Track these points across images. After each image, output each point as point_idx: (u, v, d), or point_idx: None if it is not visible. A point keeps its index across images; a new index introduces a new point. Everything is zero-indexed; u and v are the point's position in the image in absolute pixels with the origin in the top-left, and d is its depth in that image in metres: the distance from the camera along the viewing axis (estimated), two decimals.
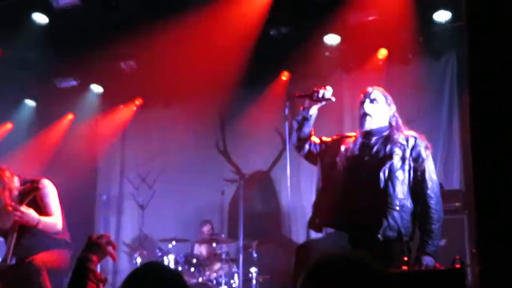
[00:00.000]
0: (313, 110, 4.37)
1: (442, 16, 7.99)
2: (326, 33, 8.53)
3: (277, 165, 9.57)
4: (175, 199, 10.12)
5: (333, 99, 4.27)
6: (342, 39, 8.59)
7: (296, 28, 8.39)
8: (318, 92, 4.27)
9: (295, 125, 4.42)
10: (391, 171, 4.10)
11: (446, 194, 7.09)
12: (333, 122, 9.10)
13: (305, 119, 4.37)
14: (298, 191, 9.30)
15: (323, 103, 4.31)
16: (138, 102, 10.54)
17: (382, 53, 8.69)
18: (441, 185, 7.37)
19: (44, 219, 5.03)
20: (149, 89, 10.08)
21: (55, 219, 5.12)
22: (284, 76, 9.47)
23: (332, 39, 8.60)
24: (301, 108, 4.43)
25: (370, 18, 8.00)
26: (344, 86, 8.96)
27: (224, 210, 9.75)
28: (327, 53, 8.82)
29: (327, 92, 4.26)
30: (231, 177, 9.64)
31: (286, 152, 4.54)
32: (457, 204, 7.22)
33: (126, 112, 10.65)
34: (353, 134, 4.48)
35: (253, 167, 9.83)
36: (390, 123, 4.35)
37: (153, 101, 10.52)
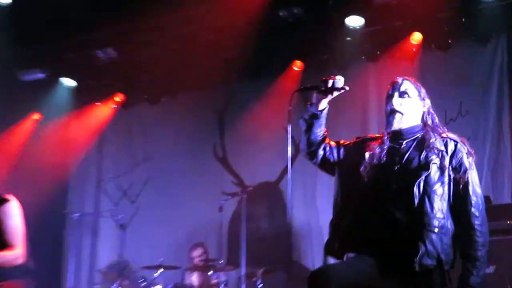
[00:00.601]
0: (323, 105, 4.21)
1: None
2: (348, 14, 8.52)
3: (288, 176, 9.51)
4: (163, 216, 10.12)
5: (347, 88, 4.16)
6: (366, 21, 8.60)
7: (311, 8, 8.43)
8: (326, 82, 4.10)
9: (302, 125, 4.26)
10: (428, 184, 4.00)
11: (494, 210, 7.07)
12: (357, 122, 9.07)
13: (314, 117, 4.19)
14: (314, 207, 9.25)
15: (335, 95, 4.18)
16: (118, 98, 10.54)
17: (416, 37, 8.67)
18: (488, 199, 7.41)
19: (2, 255, 4.96)
20: (132, 82, 10.10)
21: (16, 252, 5.02)
22: (296, 66, 9.44)
23: (354, 21, 8.59)
24: (308, 104, 4.32)
25: None
26: (370, 78, 8.97)
27: (223, 230, 9.65)
28: (348, 38, 8.82)
29: (338, 81, 4.10)
30: (231, 190, 9.62)
31: (288, 160, 4.41)
32: (508, 222, 7.15)
33: (104, 111, 10.63)
34: (377, 135, 4.39)
35: (258, 177, 9.80)
36: (424, 122, 4.27)
37: (137, 97, 10.55)
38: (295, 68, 9.47)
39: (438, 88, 8.53)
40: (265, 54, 9.03)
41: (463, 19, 8.27)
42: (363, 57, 9.17)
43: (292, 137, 4.29)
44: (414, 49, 8.75)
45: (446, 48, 8.72)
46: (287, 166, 9.34)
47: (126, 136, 10.90)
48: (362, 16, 8.53)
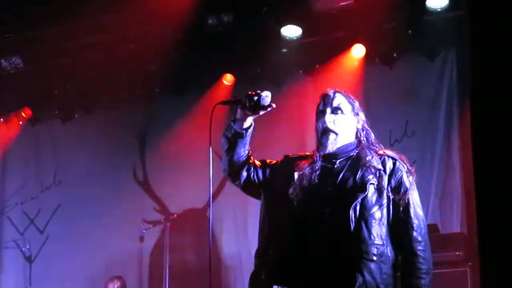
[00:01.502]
0: (248, 123, 4.15)
1: (437, 2, 8.11)
2: (284, 23, 8.59)
3: (218, 201, 9.53)
4: (75, 247, 9.93)
5: (273, 105, 4.13)
6: (304, 31, 8.66)
7: (243, 15, 8.49)
8: (251, 97, 4.06)
9: (224, 144, 4.24)
10: (365, 207, 4.00)
11: (443, 240, 7.21)
12: (292, 141, 9.12)
13: (238, 135, 4.15)
14: (245, 235, 9.26)
15: (261, 112, 4.18)
16: (25, 114, 10.39)
17: (358, 50, 8.76)
18: (435, 228, 7.55)
19: None
20: (42, 95, 9.95)
21: None
22: (227, 80, 9.47)
23: (291, 31, 8.65)
24: (232, 120, 4.28)
25: (343, 3, 8.11)
26: (307, 93, 8.96)
27: (143, 262, 9.66)
28: (284, 50, 8.90)
29: (265, 97, 4.05)
30: (153, 217, 9.56)
31: (210, 184, 4.35)
32: (458, 253, 7.29)
33: (8, 127, 10.45)
34: (308, 154, 4.39)
35: (184, 203, 9.74)
36: (358, 139, 4.31)
37: (46, 113, 10.41)
38: (225, 82, 9.48)
39: (382, 106, 8.69)
40: (192, 66, 9.05)
41: (410, 31, 8.34)
42: (300, 71, 9.23)
43: (221, 158, 4.30)
44: (356, 63, 8.82)
45: (391, 62, 8.77)
46: (216, 190, 9.45)
47: (34, 156, 10.69)
48: (300, 26, 8.57)
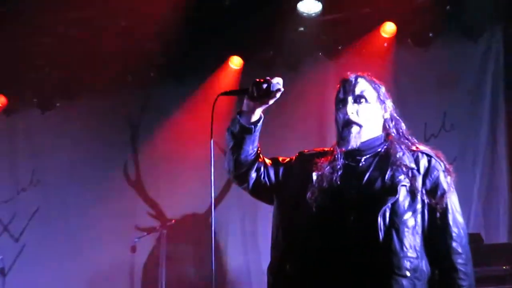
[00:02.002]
0: (256, 115, 4.08)
1: None
2: None
3: (222, 204, 9.53)
4: (56, 258, 9.98)
5: (282, 89, 4.01)
6: (325, 8, 8.65)
7: None
8: (260, 86, 3.96)
9: (229, 141, 4.16)
10: (396, 213, 3.94)
11: (487, 251, 7.18)
12: (311, 136, 9.11)
13: (245, 131, 4.09)
14: (255, 245, 9.27)
15: (271, 102, 4.09)
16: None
17: (388, 29, 8.77)
18: (479, 237, 7.51)
19: None
20: (17, 81, 9.96)
21: None
22: (234, 63, 9.49)
23: (309, 6, 8.64)
24: (237, 113, 4.21)
25: None
26: (328, 80, 8.93)
27: (136, 275, 9.75)
28: (301, 29, 8.90)
29: (276, 84, 3.97)
30: (147, 224, 9.59)
31: (211, 187, 4.17)
32: (504, 267, 7.26)
33: None
34: (327, 149, 4.34)
35: (183, 207, 9.79)
36: (386, 132, 4.26)
37: (23, 101, 10.47)
38: (232, 66, 9.51)
39: (416, 95, 8.71)
40: (194, 47, 9.05)
41: (448, 7, 8.39)
42: (320, 53, 9.26)
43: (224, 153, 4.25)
44: (385, 44, 8.85)
45: (426, 43, 8.83)
46: (220, 192, 9.47)
47: (8, 152, 10.73)
48: (320, 1, 8.54)
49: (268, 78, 3.97)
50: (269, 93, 3.95)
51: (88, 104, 10.14)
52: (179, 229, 9.24)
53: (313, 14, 8.67)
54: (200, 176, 9.20)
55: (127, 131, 10.23)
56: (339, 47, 9.08)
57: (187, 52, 9.12)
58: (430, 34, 8.70)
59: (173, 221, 9.03)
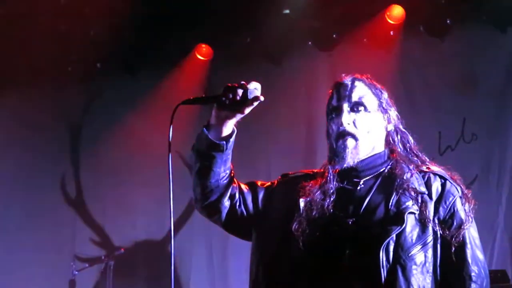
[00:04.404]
0: (228, 129, 4.11)
1: None
2: None
3: (183, 231, 9.55)
4: None
5: (261, 98, 4.01)
6: None
7: None
8: (233, 92, 4.00)
9: (195, 162, 4.16)
10: (402, 247, 3.99)
11: None
12: (298, 145, 9.14)
13: (214, 148, 4.11)
14: (224, 281, 9.28)
15: (246, 111, 4.04)
16: None
17: (395, 13, 8.80)
18: (503, 275, 7.55)
19: None
20: None
21: None
22: (202, 53, 9.53)
23: None
24: (203, 127, 4.13)
25: None
26: (319, 76, 9.02)
27: None
28: (286, 11, 8.88)
29: (254, 90, 3.99)
30: (89, 253, 9.60)
31: (170, 213, 4.13)
32: None
33: None
34: (316, 171, 4.33)
35: (135, 232, 9.79)
36: (390, 148, 4.27)
37: None
38: (199, 57, 9.58)
39: (428, 98, 8.73)
40: (151, 33, 9.04)
41: None
42: (310, 42, 9.32)
43: (189, 167, 4.26)
44: (391, 33, 8.92)
45: (442, 32, 8.93)
46: (181, 215, 9.48)
47: None
48: None
49: (243, 82, 4.00)
50: (245, 101, 3.98)
51: (17, 99, 10.09)
52: (129, 260, 9.28)
53: None
54: (157, 194, 9.24)
55: (65, 137, 10.21)
56: (334, 35, 9.14)
57: (142, 38, 9.11)
58: (448, 21, 8.76)
59: (122, 249, 9.06)
